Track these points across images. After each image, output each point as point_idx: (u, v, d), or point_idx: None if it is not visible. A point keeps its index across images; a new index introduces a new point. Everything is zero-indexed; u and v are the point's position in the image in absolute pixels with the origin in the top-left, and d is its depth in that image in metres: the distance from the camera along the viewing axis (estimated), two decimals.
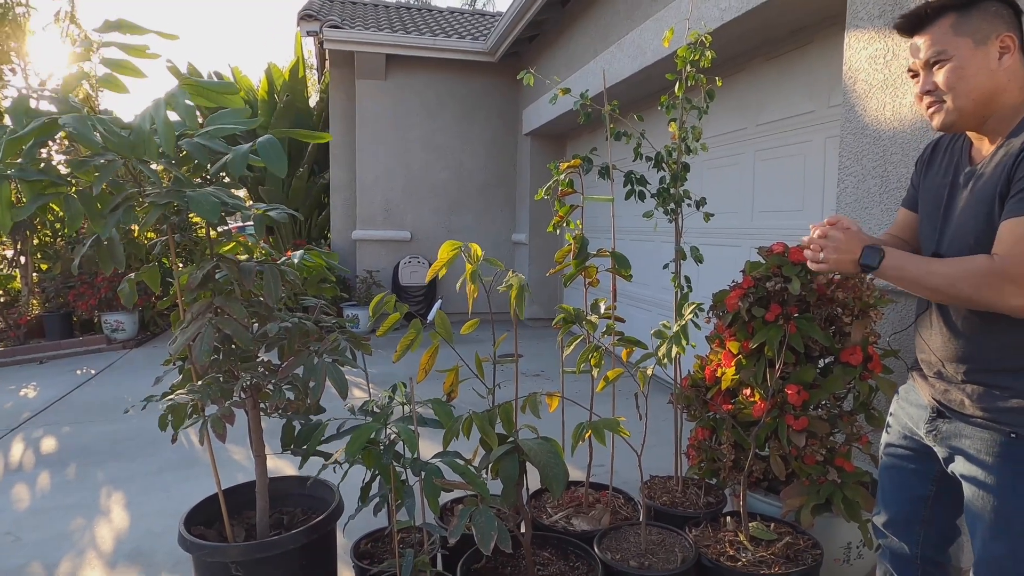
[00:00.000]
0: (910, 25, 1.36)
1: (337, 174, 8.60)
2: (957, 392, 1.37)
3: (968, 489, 1.35)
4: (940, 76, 1.31)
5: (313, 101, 10.23)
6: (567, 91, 2.53)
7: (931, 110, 1.36)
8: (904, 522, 1.57)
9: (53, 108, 1.59)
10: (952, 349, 1.38)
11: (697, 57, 2.39)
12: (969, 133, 1.40)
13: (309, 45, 10.80)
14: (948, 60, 1.29)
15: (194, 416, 1.91)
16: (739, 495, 2.20)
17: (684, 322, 2.04)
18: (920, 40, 1.34)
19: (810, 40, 3.67)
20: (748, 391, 2.27)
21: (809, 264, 1.45)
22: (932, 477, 1.51)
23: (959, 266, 1.25)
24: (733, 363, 2.30)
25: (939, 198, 1.44)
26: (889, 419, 1.64)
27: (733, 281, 2.38)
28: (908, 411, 1.55)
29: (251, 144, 1.66)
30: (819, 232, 1.42)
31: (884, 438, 1.64)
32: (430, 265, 8.16)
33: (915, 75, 1.39)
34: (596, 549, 2.05)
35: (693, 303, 2.09)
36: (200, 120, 1.72)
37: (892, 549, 1.62)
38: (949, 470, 1.42)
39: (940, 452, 1.44)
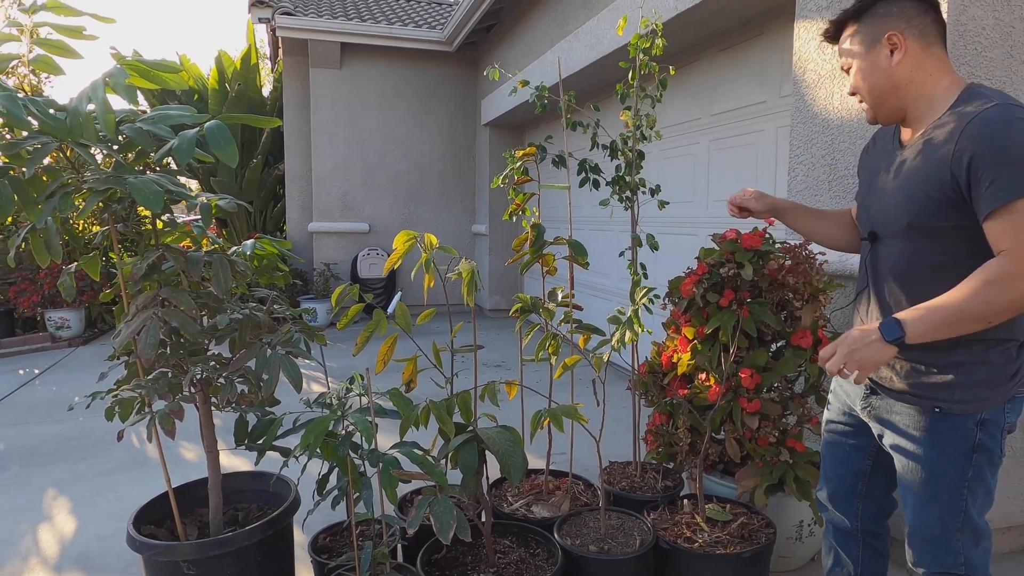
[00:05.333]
0: (831, 37, 1.50)
1: (292, 165, 8.43)
2: (887, 369, 1.44)
3: (899, 462, 1.43)
4: (852, 80, 1.44)
5: (267, 91, 9.97)
6: (526, 83, 2.51)
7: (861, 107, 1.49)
8: (844, 496, 1.64)
9: None
10: None
11: (649, 45, 2.40)
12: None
13: (261, 33, 10.49)
14: (851, 66, 1.43)
15: (142, 412, 1.85)
16: (696, 478, 2.24)
17: (636, 307, 2.06)
18: (837, 49, 1.48)
19: (761, 31, 3.73)
20: (703, 376, 2.31)
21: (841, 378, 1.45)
22: (869, 452, 1.59)
23: (977, 280, 1.20)
24: (689, 348, 2.34)
25: (871, 183, 1.52)
26: (829, 397, 1.70)
27: (688, 268, 2.41)
28: (846, 389, 1.61)
29: (198, 129, 1.59)
30: (829, 354, 1.33)
31: (825, 415, 1.71)
32: (389, 257, 8.07)
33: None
34: (556, 535, 2.06)
35: (645, 287, 2.11)
36: (147, 109, 1.64)
37: (834, 523, 1.69)
38: (882, 444, 1.49)
39: (874, 428, 1.51)
